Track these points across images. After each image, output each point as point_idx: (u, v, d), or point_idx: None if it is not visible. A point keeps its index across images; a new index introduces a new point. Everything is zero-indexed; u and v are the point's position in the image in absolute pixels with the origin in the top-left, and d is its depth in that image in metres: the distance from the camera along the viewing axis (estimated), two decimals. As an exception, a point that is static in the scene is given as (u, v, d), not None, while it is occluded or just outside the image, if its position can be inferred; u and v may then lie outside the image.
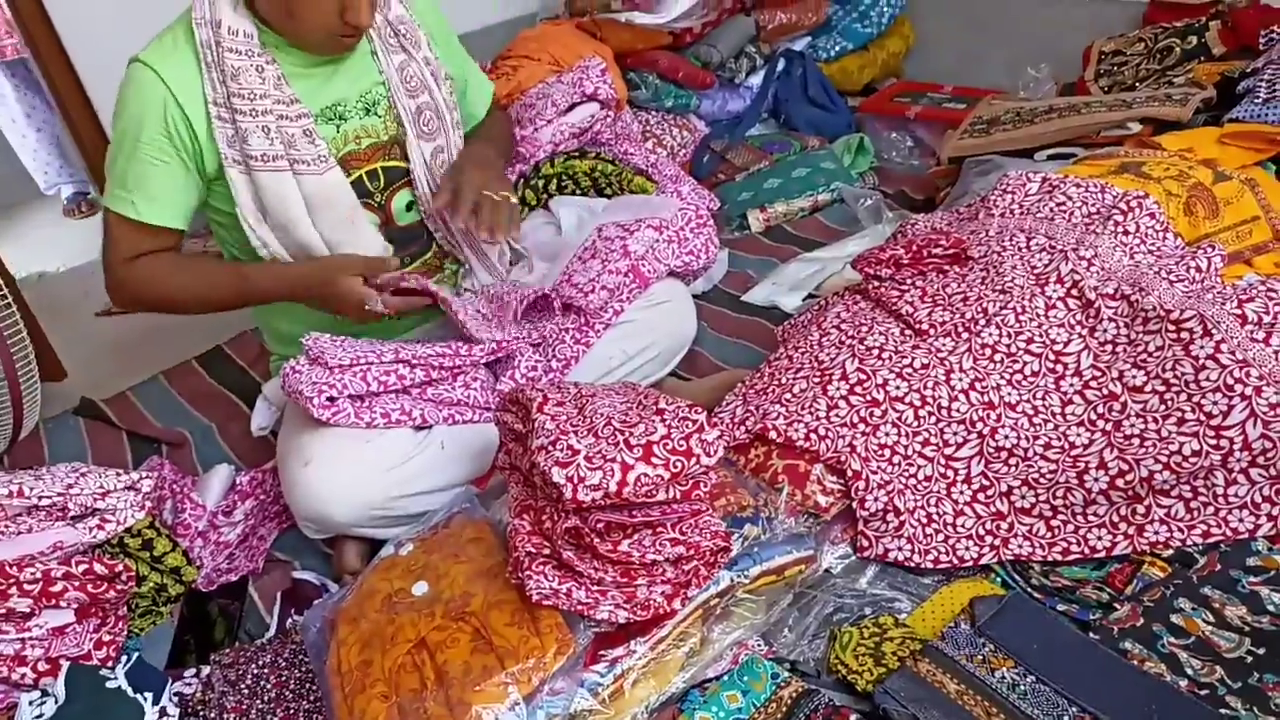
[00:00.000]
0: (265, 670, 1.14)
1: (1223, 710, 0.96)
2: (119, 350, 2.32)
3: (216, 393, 2.02)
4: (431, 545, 1.14)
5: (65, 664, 1.08)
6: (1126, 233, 1.41)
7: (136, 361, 2.19)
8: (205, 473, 1.59)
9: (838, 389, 1.30)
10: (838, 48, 2.72)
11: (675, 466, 1.01)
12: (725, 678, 1.05)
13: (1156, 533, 1.18)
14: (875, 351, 1.34)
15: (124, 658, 1.12)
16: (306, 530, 1.37)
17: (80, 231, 3.12)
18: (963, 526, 1.24)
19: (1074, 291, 1.34)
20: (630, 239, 1.50)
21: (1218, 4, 2.15)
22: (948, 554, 1.22)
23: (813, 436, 1.25)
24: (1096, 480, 1.19)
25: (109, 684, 1.06)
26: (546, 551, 1.02)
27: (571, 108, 2.16)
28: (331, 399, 1.28)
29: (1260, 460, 1.14)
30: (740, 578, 1.11)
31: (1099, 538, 1.20)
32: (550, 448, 1.02)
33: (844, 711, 1.00)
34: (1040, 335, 1.32)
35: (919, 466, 1.26)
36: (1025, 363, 1.31)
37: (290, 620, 1.30)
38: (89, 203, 3.27)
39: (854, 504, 1.22)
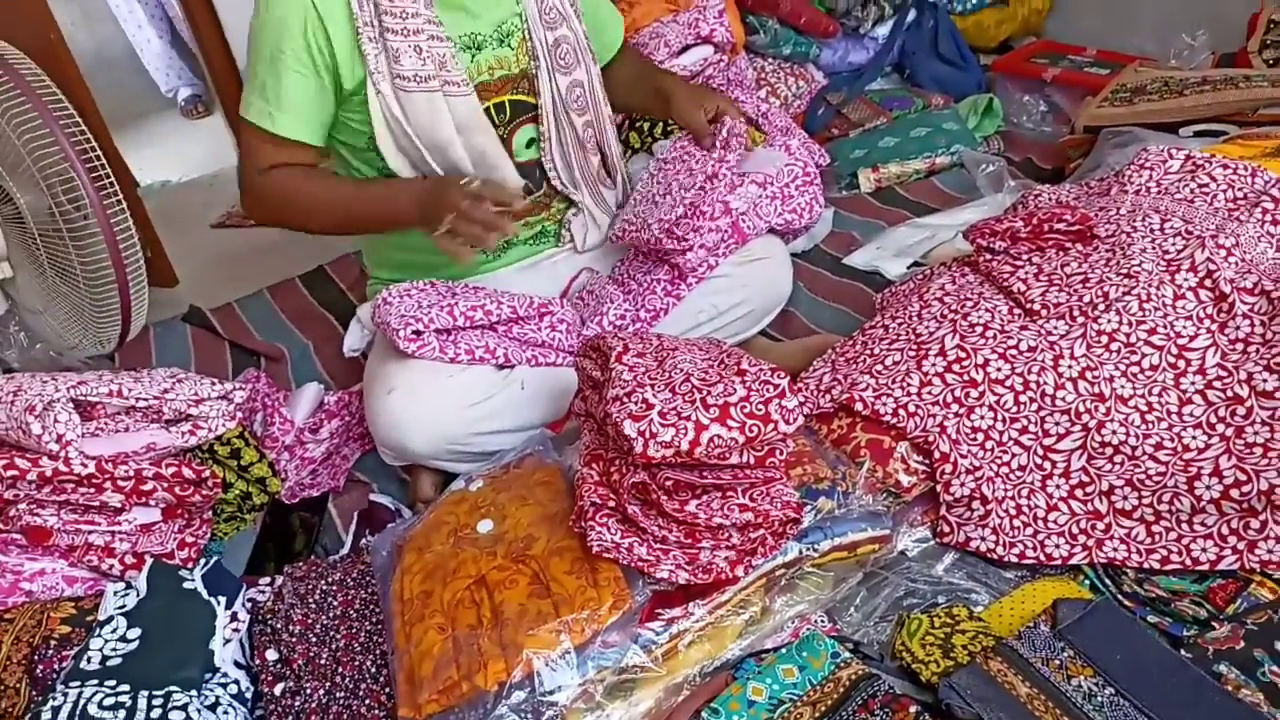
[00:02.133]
0: (333, 587, 1.16)
1: (1324, 751, 0.88)
2: (230, 262, 2.41)
3: (316, 312, 2.07)
4: (501, 484, 1.14)
5: (149, 560, 1.13)
6: (1275, 223, 1.28)
7: (245, 274, 2.27)
8: (297, 389, 1.64)
9: (933, 365, 1.23)
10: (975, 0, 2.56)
11: (751, 431, 0.98)
12: (784, 650, 1.02)
13: (1271, 551, 1.08)
14: (979, 329, 1.26)
15: (204, 560, 1.17)
16: (385, 456, 1.39)
17: (203, 144, 3.24)
18: (1055, 523, 1.17)
19: (1207, 282, 1.23)
20: (732, 195, 1.45)
21: None
22: (1035, 549, 1.15)
23: (901, 412, 1.20)
24: (1209, 488, 1.10)
25: (186, 584, 1.11)
26: (612, 504, 1.00)
27: (685, 49, 2.10)
28: (417, 332, 1.28)
29: (1403, 486, 1.04)
30: (810, 551, 1.07)
31: (1204, 549, 1.11)
32: (625, 399, 1.00)
33: (904, 701, 0.96)
34: (1164, 326, 1.22)
35: (1013, 455, 1.19)
36: (1144, 354, 1.21)
37: (364, 540, 1.33)
38: (204, 104, 3.44)
39: (938, 487, 1.16)
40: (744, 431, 0.98)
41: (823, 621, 1.09)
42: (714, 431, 0.97)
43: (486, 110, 1.37)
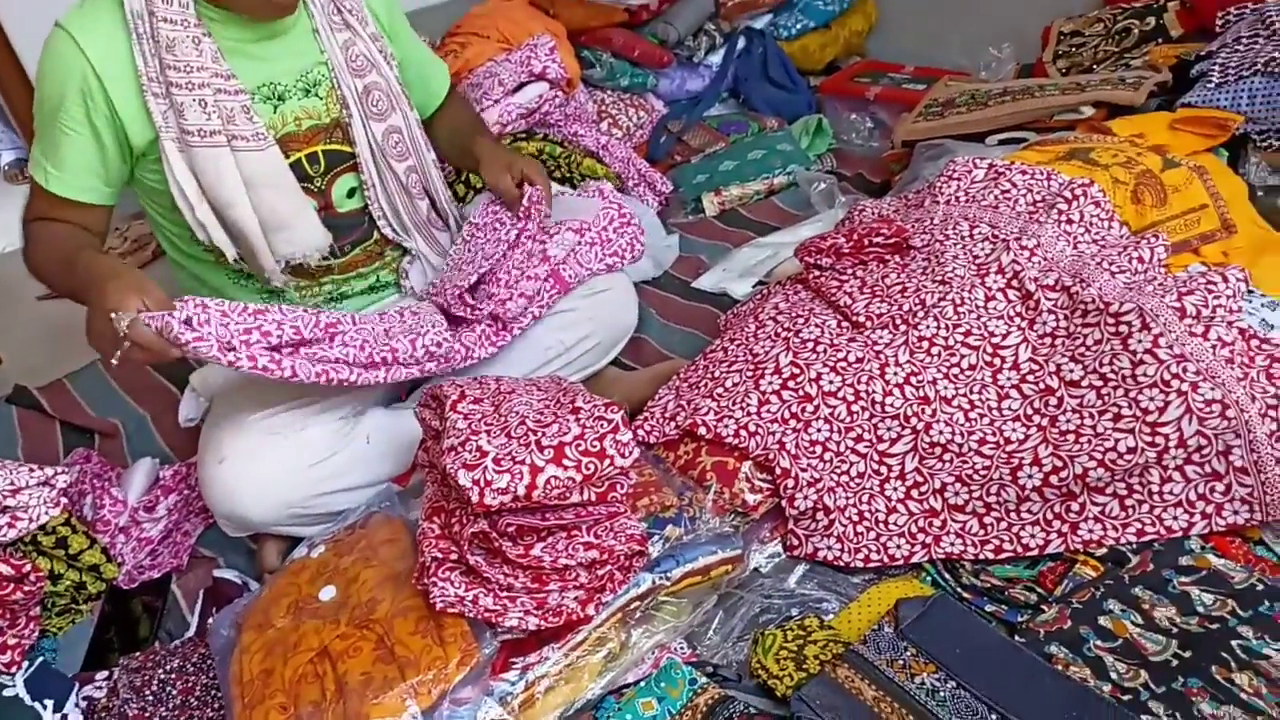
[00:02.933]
0: (172, 675, 1.10)
1: (1144, 717, 0.94)
2: (59, 335, 2.26)
3: (153, 381, 1.96)
4: (344, 547, 1.11)
5: (-41, 672, 1.04)
6: (1070, 221, 1.38)
7: (76, 347, 2.10)
8: (130, 466, 1.55)
9: (770, 383, 1.27)
10: (799, 25, 2.67)
11: (588, 469, 0.98)
12: (642, 684, 1.02)
13: (1090, 531, 1.15)
14: (810, 344, 1.31)
15: (28, 663, 1.08)
16: (225, 528, 1.33)
17: (25, 212, 3.04)
18: (895, 524, 1.21)
19: (1014, 283, 1.31)
20: (549, 242, 1.45)
21: (1178, -16, 2.11)
22: (879, 552, 1.19)
23: (743, 433, 1.22)
24: (1030, 477, 1.17)
25: (5, 691, 1.03)
26: (454, 556, 0.98)
27: (520, 87, 2.11)
28: (189, 321, 1.10)
29: (1195, 458, 1.12)
30: (662, 580, 1.08)
31: (1032, 535, 1.17)
32: (459, 448, 0.99)
33: (760, 718, 0.97)
34: (979, 328, 1.29)
35: (851, 463, 1.24)
36: (962, 356, 1.28)
37: (210, 620, 1.26)
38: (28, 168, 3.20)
39: (783, 502, 1.19)
40: (581, 470, 0.98)
41: (682, 648, 1.10)
42: (550, 473, 0.96)
43: (298, 162, 1.33)
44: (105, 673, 1.17)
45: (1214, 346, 1.15)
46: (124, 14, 1.20)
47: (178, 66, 1.20)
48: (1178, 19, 1.97)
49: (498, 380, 1.16)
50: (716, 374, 1.33)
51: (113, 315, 1.04)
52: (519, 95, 2.08)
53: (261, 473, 1.24)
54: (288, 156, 1.31)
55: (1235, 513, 1.11)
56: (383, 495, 1.23)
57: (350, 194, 1.41)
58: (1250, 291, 1.29)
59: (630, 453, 1.00)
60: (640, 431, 1.28)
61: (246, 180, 1.27)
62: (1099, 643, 1.02)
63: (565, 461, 0.97)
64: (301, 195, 1.33)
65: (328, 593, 1.04)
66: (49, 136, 1.24)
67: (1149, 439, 1.12)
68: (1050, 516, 1.17)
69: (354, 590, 1.03)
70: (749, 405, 1.25)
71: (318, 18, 1.34)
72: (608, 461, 0.99)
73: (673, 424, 1.27)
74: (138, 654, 1.16)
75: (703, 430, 1.23)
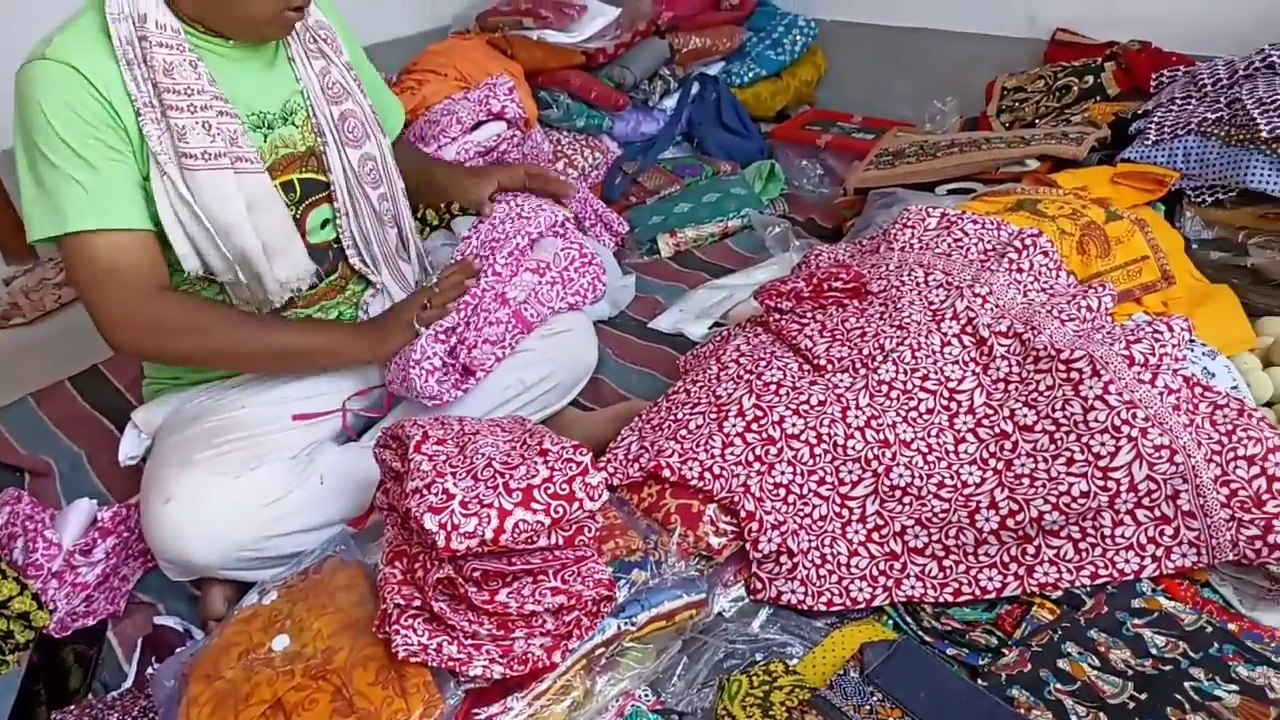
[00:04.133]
0: (111, 731, 1.05)
1: (1105, 759, 0.95)
2: (-17, 368, 2.17)
3: (89, 416, 1.89)
4: (298, 593, 1.07)
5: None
6: (1020, 270, 1.42)
7: (5, 380, 2.04)
8: (66, 507, 1.48)
9: (734, 425, 1.27)
10: (751, 73, 2.73)
11: (557, 512, 0.97)
12: (608, 732, 1.00)
13: (1046, 573, 1.17)
14: (773, 387, 1.32)
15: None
16: (169, 572, 1.27)
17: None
18: (856, 567, 1.22)
19: (969, 328, 1.34)
20: (508, 285, 1.45)
21: (1114, 45, 2.22)
22: (841, 595, 1.19)
23: (707, 475, 1.22)
24: (988, 520, 1.19)
25: (-74, 751, 0.96)
26: (417, 603, 0.96)
27: (477, 125, 2.11)
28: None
29: (1146, 502, 1.15)
30: (627, 625, 1.06)
31: (990, 578, 1.19)
32: (425, 491, 0.96)
33: (729, 767, 0.96)
34: (935, 372, 1.31)
35: (814, 506, 1.24)
36: (920, 400, 1.30)
37: (150, 670, 1.21)
38: None
39: (747, 545, 1.19)
40: (549, 513, 0.96)
41: (647, 695, 1.08)
42: (519, 516, 0.95)
43: (276, 189, 1.31)
44: (35, 727, 1.11)
45: (1161, 394, 1.19)
46: (110, 41, 1.16)
47: (177, 90, 1.17)
48: (1115, 78, 2.06)
49: (461, 421, 1.14)
50: (680, 416, 1.33)
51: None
52: (477, 133, 2.08)
53: (209, 513, 1.19)
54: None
55: (1184, 555, 1.14)
56: (338, 539, 1.19)
57: (324, 225, 1.39)
58: (1192, 341, 1.34)
59: (599, 495, 0.99)
60: (603, 474, 1.27)
61: (249, 203, 1.24)
62: (1059, 686, 1.03)
63: (534, 504, 0.95)
64: (291, 220, 1.32)
65: (281, 641, 1.00)
66: (87, 170, 1.14)
67: (1101, 483, 1.15)
68: (1007, 559, 1.19)
69: (309, 639, 1.00)
70: (713, 447, 1.25)
71: (294, 45, 1.34)
72: (577, 504, 0.97)
73: (636, 466, 1.26)
74: (73, 707, 1.10)
75: (667, 472, 1.23)
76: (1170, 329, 1.25)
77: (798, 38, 2.78)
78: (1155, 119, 1.79)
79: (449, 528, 0.93)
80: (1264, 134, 1.58)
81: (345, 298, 1.47)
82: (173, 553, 1.21)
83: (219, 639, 1.04)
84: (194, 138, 1.19)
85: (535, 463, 1.00)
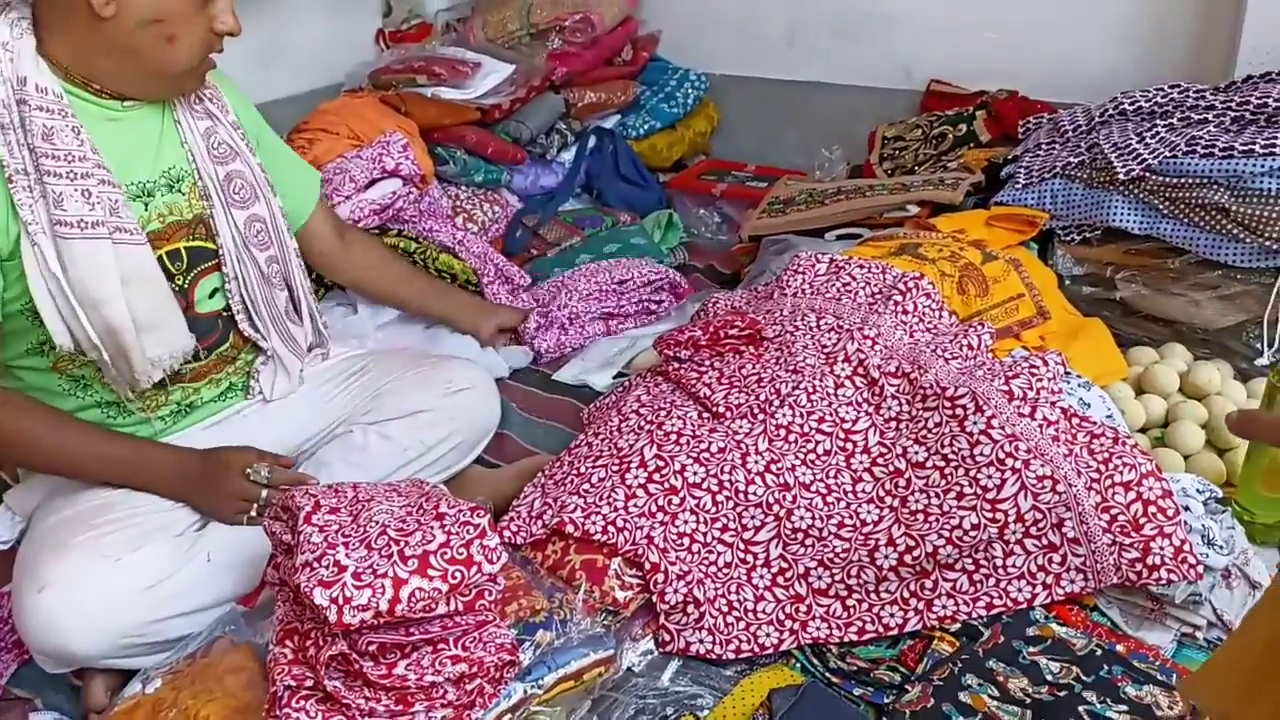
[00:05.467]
0: (-23, 844, 0.97)
1: (1007, 789, 0.97)
2: None
3: (-44, 501, 1.77)
4: (183, 680, 1.02)
5: None
6: (905, 311, 1.47)
7: None
8: (-72, 600, 1.38)
9: (636, 477, 1.27)
10: (646, 125, 2.78)
11: (455, 577, 0.95)
12: (517, 803, 0.97)
13: (944, 606, 1.20)
14: (674, 436, 1.33)
15: None
16: (44, 665, 1.19)
17: None
18: (763, 612, 1.22)
19: (860, 370, 1.38)
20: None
21: (984, 95, 2.35)
22: (749, 642, 1.20)
23: (610, 529, 1.21)
24: (887, 557, 1.21)
25: None
26: (310, 683, 0.92)
27: (372, 183, 2.09)
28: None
29: (1033, 531, 1.19)
30: (534, 689, 1.04)
31: (892, 615, 1.21)
32: (315, 564, 0.93)
33: (641, 829, 0.94)
34: (830, 414, 1.34)
35: (719, 553, 1.25)
36: (818, 442, 1.33)
37: (24, 772, 1.13)
38: None
39: (654, 597, 1.19)
40: (447, 579, 0.94)
41: (557, 760, 1.06)
42: (415, 584, 0.93)
43: (160, 259, 1.27)
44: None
45: (1040, 425, 1.24)
46: None
47: (56, 155, 1.14)
48: (985, 126, 2.18)
49: (355, 487, 1.11)
50: (582, 469, 1.32)
51: (250, 470, 1.30)
52: (371, 191, 2.06)
53: (89, 601, 1.13)
54: (154, 252, 1.25)
55: (1072, 581, 1.19)
56: (226, 618, 1.14)
57: (212, 294, 1.36)
58: (1067, 373, 1.40)
59: (498, 558, 0.97)
60: (506, 532, 1.26)
61: (123, 276, 1.19)
62: (961, 719, 1.05)
63: (430, 571, 0.93)
64: (171, 294, 1.27)
65: (166, 732, 0.95)
66: None
67: (990, 515, 1.19)
68: (907, 595, 1.22)
69: (196, 727, 0.95)
70: (616, 500, 1.25)
71: (179, 108, 1.31)
72: (475, 568, 0.96)
73: (539, 523, 1.25)
74: (-67, 822, 1.01)
75: (570, 528, 1.22)
76: (1045, 363, 1.31)
77: (690, 91, 2.85)
78: (1024, 164, 1.89)
79: (341, 601, 0.90)
80: (1120, 176, 1.69)
81: (236, 368, 1.43)
82: (50, 644, 1.13)
83: (97, 735, 0.98)
84: (71, 205, 1.15)
85: (431, 527, 0.98)
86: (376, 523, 1.00)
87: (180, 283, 1.30)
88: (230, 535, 1.28)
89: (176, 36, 1.17)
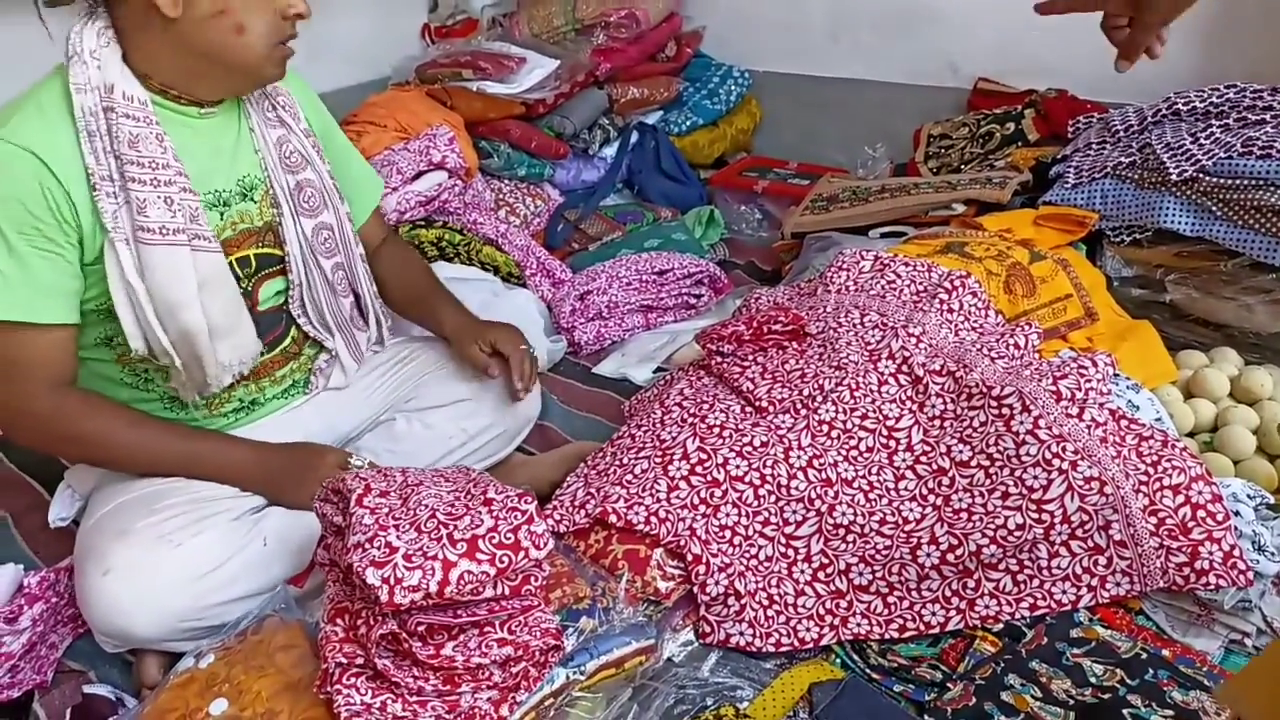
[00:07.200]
0: (37, 808, 1.00)
1: (1050, 789, 0.97)
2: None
3: (15, 478, 1.81)
4: (235, 656, 1.04)
5: None
6: (951, 310, 1.46)
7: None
8: (-11, 573, 1.42)
9: (679, 469, 1.28)
10: (689, 122, 2.79)
11: (502, 562, 0.96)
12: (558, 786, 0.99)
13: (986, 606, 1.20)
14: (716, 430, 1.33)
15: None
16: (105, 645, 1.22)
17: None
18: (803, 607, 1.23)
19: (904, 368, 1.37)
20: None
21: (1032, 93, 2.32)
22: (789, 636, 1.20)
23: (653, 519, 1.22)
24: (929, 555, 1.21)
25: None
26: (360, 661, 0.94)
27: (418, 175, 2.11)
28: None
29: (1079, 533, 1.19)
30: (576, 674, 1.05)
31: (933, 613, 1.21)
32: (367, 545, 0.95)
33: (681, 816, 0.95)
34: (874, 411, 1.34)
35: (760, 547, 1.25)
36: (860, 439, 1.32)
37: (79, 742, 1.16)
38: None
39: (695, 589, 1.19)
40: (495, 563, 0.96)
41: (597, 746, 1.07)
42: (463, 568, 0.94)
43: (230, 265, 1.28)
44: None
45: (1089, 427, 1.23)
46: (71, 112, 1.14)
47: (141, 163, 1.15)
48: (1034, 125, 2.16)
49: (404, 472, 1.13)
50: (625, 460, 1.33)
51: (351, 461, 1.34)
52: (418, 183, 2.09)
53: (152, 586, 1.15)
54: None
55: (1117, 584, 1.18)
56: (278, 598, 1.16)
57: (276, 294, 1.37)
58: (1116, 375, 1.39)
59: (545, 544, 0.99)
60: (550, 520, 1.27)
61: (201, 281, 1.21)
62: (1003, 718, 1.05)
63: (479, 555, 0.95)
64: (242, 300, 1.29)
65: (219, 706, 0.97)
66: (14, 263, 1.12)
67: (1035, 515, 1.18)
68: (949, 594, 1.21)
69: (248, 702, 0.97)
70: (658, 491, 1.26)
71: (254, 115, 1.32)
72: (522, 554, 0.97)
73: (583, 512, 1.26)
74: (-6, 786, 1.05)
75: (613, 518, 1.23)
76: (1095, 364, 1.30)
77: (733, 88, 2.85)
78: (1074, 163, 1.87)
79: (392, 582, 0.91)
80: (1173, 177, 1.67)
81: (299, 364, 1.44)
82: (113, 626, 1.16)
83: (154, 706, 1.00)
84: (154, 212, 1.17)
85: (480, 512, 0.99)
86: (426, 506, 1.01)
87: (245, 286, 1.32)
88: (286, 519, 1.30)
89: (245, 26, 1.18)
